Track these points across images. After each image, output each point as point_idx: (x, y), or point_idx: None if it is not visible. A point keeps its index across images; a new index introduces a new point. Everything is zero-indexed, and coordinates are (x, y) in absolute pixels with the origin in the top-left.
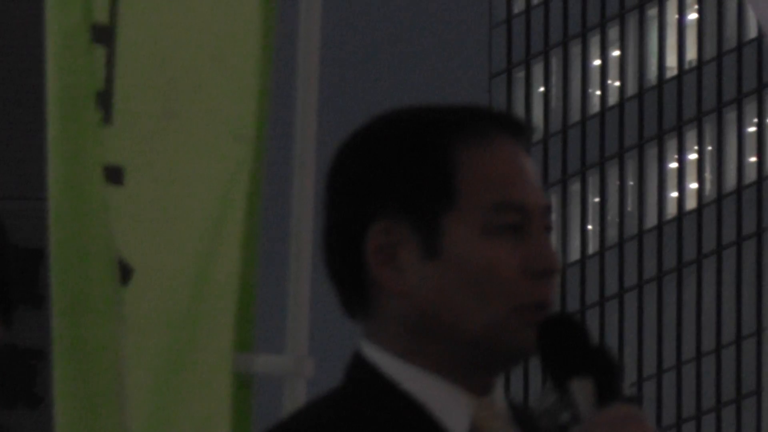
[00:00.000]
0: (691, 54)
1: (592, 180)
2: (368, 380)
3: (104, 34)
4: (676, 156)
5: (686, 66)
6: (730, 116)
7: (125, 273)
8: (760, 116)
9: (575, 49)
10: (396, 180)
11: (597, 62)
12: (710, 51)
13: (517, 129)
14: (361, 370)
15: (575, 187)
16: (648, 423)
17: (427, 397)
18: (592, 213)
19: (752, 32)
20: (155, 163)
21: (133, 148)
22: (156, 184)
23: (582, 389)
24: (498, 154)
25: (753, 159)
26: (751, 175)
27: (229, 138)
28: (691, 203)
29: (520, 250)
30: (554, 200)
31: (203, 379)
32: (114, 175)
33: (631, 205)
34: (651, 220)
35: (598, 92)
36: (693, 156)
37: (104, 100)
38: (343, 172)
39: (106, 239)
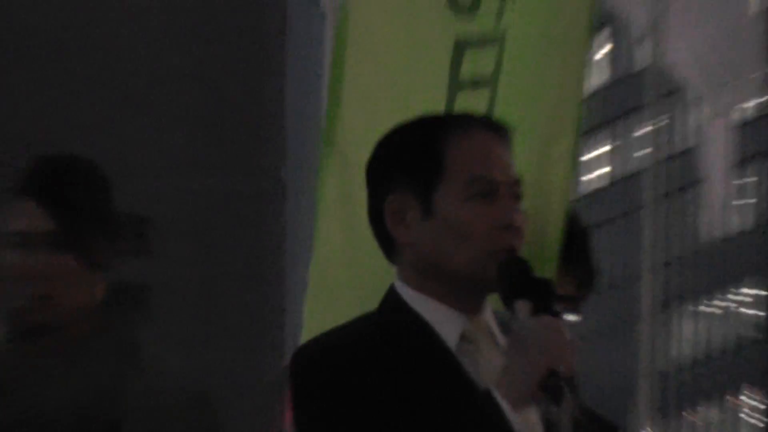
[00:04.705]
0: None
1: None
2: (392, 303)
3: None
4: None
5: None
6: None
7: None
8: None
9: None
10: (403, 164)
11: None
12: None
13: (495, 127)
14: (389, 297)
15: None
16: (563, 329)
17: (430, 315)
18: None
19: None
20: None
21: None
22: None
23: (522, 307)
24: (475, 143)
25: None
26: None
27: None
28: None
29: (490, 211)
30: None
31: None
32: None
33: None
34: None
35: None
36: None
37: None
38: (371, 163)
39: None
